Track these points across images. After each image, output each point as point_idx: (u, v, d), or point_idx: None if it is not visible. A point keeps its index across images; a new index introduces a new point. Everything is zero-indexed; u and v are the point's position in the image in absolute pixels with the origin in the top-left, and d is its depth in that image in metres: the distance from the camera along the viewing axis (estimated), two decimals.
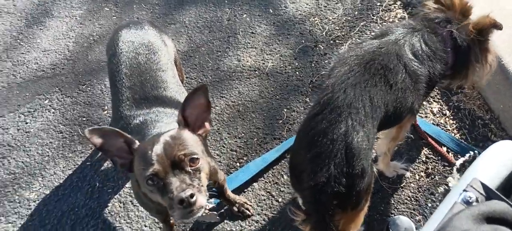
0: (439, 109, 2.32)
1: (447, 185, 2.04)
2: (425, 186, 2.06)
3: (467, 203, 0.87)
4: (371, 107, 1.42)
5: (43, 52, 2.98)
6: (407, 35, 1.58)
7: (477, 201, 0.87)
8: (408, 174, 2.10)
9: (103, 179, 2.31)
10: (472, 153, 1.22)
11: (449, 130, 2.23)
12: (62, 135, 2.52)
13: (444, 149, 2.14)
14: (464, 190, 0.89)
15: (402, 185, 2.07)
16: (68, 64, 2.88)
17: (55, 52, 2.97)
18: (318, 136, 1.38)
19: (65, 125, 2.56)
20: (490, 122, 2.21)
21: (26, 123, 2.60)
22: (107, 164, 2.36)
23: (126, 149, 1.30)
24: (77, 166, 2.39)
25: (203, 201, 1.23)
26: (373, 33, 2.43)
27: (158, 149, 1.23)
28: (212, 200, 1.89)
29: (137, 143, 1.31)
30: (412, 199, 2.03)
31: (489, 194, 0.88)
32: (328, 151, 1.35)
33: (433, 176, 2.08)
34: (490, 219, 0.69)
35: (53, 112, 2.63)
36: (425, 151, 2.17)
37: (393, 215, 1.96)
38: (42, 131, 2.55)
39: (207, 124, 1.41)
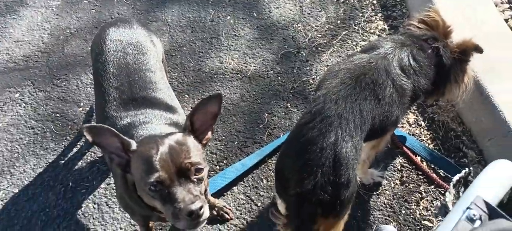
0: (415, 120, 2.39)
1: (421, 194, 2.11)
2: (399, 193, 2.12)
3: (471, 220, 0.90)
4: (360, 120, 1.46)
5: (16, 43, 2.85)
6: (396, 49, 1.63)
7: (480, 219, 0.89)
8: (384, 182, 2.15)
9: (77, 178, 2.23)
10: (467, 169, 1.27)
11: (423, 140, 2.31)
12: (34, 131, 2.42)
13: (418, 158, 2.22)
14: (468, 208, 0.92)
15: (377, 192, 2.12)
16: (42, 57, 2.76)
17: (29, 43, 2.84)
18: (308, 143, 1.40)
19: (37, 121, 2.45)
20: (462, 133, 2.31)
21: None
22: (81, 163, 2.28)
23: (122, 148, 1.25)
24: (49, 164, 2.29)
25: (208, 212, 1.22)
26: (362, 46, 2.48)
27: (163, 154, 1.19)
28: None
29: (134, 144, 1.26)
30: (387, 206, 2.08)
31: (491, 212, 0.91)
32: (317, 159, 1.37)
33: (407, 184, 2.15)
34: None
35: (24, 107, 2.52)
36: (400, 159, 2.24)
37: (369, 222, 2.01)
38: (12, 126, 2.44)
39: (210, 133, 1.37)
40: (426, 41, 1.70)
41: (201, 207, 1.17)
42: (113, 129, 1.23)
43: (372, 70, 1.56)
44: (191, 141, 1.30)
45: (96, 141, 1.22)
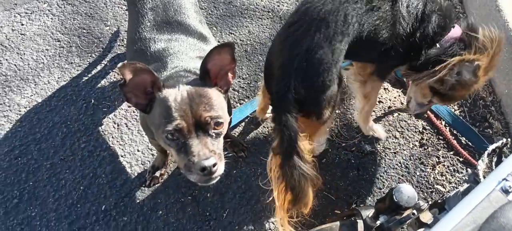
0: None
1: (438, 158, 2.10)
2: (417, 155, 2.11)
3: (506, 192, 0.89)
4: (343, 23, 1.42)
5: None
6: None
7: None
8: (402, 141, 2.13)
9: (99, 96, 2.25)
10: (504, 140, 1.24)
11: (450, 105, 2.26)
12: (60, 44, 2.41)
13: (442, 122, 2.18)
14: (504, 179, 0.90)
15: (395, 151, 2.11)
16: None
17: None
18: (287, 45, 1.43)
19: (64, 34, 2.44)
20: (491, 104, 2.24)
21: (22, 24, 2.47)
22: (104, 82, 2.30)
23: (150, 89, 1.19)
24: (72, 78, 2.32)
25: (222, 169, 1.20)
26: None
27: (184, 103, 1.16)
28: None
29: (163, 88, 1.20)
30: (403, 165, 2.08)
31: None
32: (292, 62, 1.40)
33: (426, 147, 2.13)
34: None
35: (51, 18, 2.50)
36: (423, 122, 2.20)
37: (382, 179, 2.02)
38: (39, 35, 2.44)
39: (230, 77, 1.30)
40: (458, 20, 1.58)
41: (215, 164, 1.15)
42: (149, 68, 1.16)
43: None
44: (213, 92, 1.25)
45: (131, 79, 1.13)
